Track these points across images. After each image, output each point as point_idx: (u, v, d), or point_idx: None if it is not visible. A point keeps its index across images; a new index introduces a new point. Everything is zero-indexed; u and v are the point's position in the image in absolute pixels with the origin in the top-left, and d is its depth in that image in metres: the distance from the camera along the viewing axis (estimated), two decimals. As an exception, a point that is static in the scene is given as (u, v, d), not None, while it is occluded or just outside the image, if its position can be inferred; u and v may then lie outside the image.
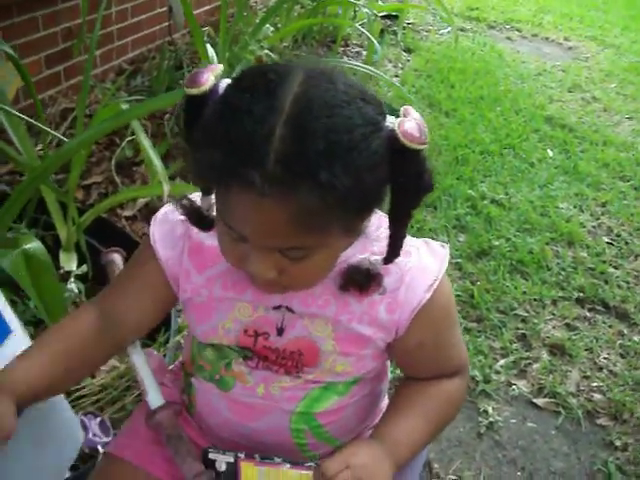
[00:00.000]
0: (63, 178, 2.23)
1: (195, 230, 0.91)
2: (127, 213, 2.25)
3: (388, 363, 1.04)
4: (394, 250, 0.85)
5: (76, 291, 1.64)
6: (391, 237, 0.85)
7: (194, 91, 0.76)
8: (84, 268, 1.71)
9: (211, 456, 0.89)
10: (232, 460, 0.89)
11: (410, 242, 0.89)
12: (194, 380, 0.98)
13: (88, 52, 1.91)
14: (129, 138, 2.46)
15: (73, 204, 1.81)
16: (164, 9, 3.43)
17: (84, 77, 1.81)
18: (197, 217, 0.88)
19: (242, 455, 0.89)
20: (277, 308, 0.89)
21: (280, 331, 0.89)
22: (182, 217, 0.90)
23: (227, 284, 0.90)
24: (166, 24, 3.46)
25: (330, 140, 0.68)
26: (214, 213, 0.83)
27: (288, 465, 0.88)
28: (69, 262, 1.78)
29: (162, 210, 0.96)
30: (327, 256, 0.79)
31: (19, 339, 0.98)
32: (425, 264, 0.89)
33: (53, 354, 0.91)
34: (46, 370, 0.89)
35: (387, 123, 0.74)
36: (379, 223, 0.88)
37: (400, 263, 0.87)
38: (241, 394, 0.94)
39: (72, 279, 1.64)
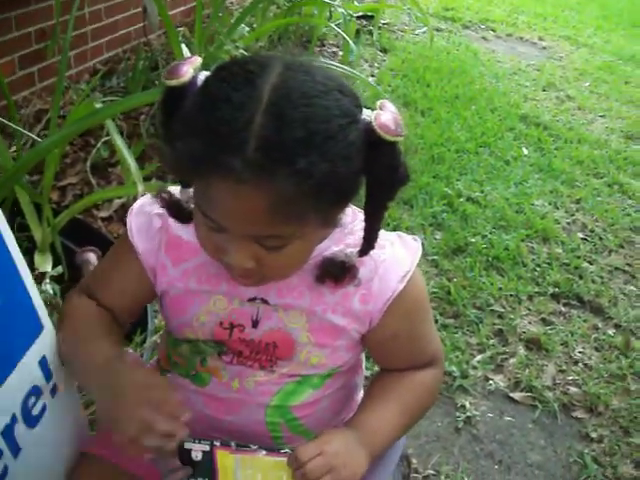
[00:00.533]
0: (37, 179, 2.21)
1: (172, 224, 0.91)
2: (103, 214, 2.23)
3: (363, 356, 1.05)
4: (369, 242, 0.86)
5: (51, 292, 1.62)
6: (366, 230, 0.86)
7: (173, 82, 0.76)
8: (59, 269, 1.69)
9: (186, 446, 0.89)
10: (208, 449, 0.89)
11: (384, 236, 0.91)
12: (170, 376, 0.99)
13: (62, 53, 1.90)
14: (104, 139, 2.45)
15: (48, 205, 1.80)
16: (139, 10, 3.41)
17: (58, 78, 1.80)
18: (176, 209, 0.88)
19: (218, 443, 0.89)
20: (252, 300, 0.90)
21: (255, 323, 0.90)
22: (159, 210, 0.90)
23: (202, 278, 0.91)
24: (141, 25, 3.44)
25: (308, 129, 0.69)
26: (192, 206, 0.83)
27: (264, 452, 0.89)
28: (44, 263, 1.77)
29: (138, 202, 0.96)
30: (304, 247, 0.80)
31: (48, 334, 0.97)
32: (398, 256, 0.90)
33: (107, 332, 0.94)
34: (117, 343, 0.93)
35: (364, 116, 0.75)
36: (354, 216, 0.90)
37: (374, 255, 0.88)
38: (217, 389, 0.94)
39: (47, 280, 1.63)
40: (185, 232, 0.91)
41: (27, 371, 0.91)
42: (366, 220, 0.85)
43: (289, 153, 0.68)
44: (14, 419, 0.89)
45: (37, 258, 1.80)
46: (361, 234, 0.87)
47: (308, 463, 0.83)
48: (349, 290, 0.89)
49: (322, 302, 0.89)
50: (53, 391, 0.97)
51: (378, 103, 0.78)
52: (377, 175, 0.78)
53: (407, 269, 0.90)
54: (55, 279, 1.71)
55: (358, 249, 0.87)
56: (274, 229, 0.74)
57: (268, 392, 0.94)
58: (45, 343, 0.95)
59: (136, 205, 0.96)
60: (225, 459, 0.88)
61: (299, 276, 0.87)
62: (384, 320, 0.90)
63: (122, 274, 0.97)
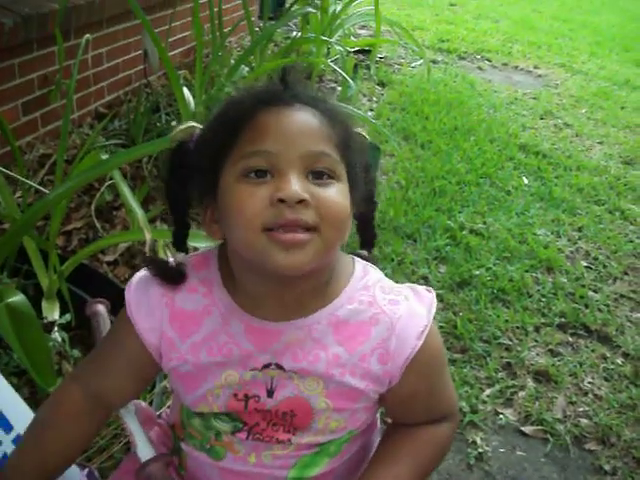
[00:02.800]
0: (42, 225, 2.22)
1: (174, 296, 0.90)
2: (108, 258, 2.24)
3: (377, 414, 1.04)
4: (368, 242, 1.01)
5: (60, 340, 1.63)
6: (361, 233, 1.01)
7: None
8: (67, 317, 1.70)
9: None
10: None
11: (396, 290, 0.91)
12: (184, 446, 0.97)
13: (66, 97, 1.92)
14: (108, 183, 2.47)
15: (54, 252, 1.81)
16: (139, 52, 3.46)
17: (63, 123, 1.82)
18: (165, 272, 0.89)
19: None
20: (267, 366, 0.87)
21: (270, 393, 0.88)
22: (158, 285, 0.90)
23: (213, 348, 0.88)
24: (141, 67, 3.50)
25: (332, 105, 0.88)
26: (182, 265, 0.89)
27: None
28: (52, 311, 1.77)
29: (135, 277, 0.94)
30: (345, 192, 0.84)
31: (1, 391, 0.99)
32: (414, 312, 0.89)
33: (49, 446, 0.93)
34: (43, 463, 0.92)
35: None
36: (365, 272, 0.91)
37: (389, 312, 0.88)
38: (233, 463, 0.93)
39: (56, 329, 1.63)
40: (186, 302, 0.90)
41: None
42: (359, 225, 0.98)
43: (318, 96, 0.87)
44: None
45: (45, 305, 1.80)
46: (375, 290, 0.90)
47: None
48: (366, 351, 0.87)
49: (339, 365, 0.87)
50: (15, 441, 1.00)
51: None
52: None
53: (424, 324, 0.88)
54: (63, 326, 1.72)
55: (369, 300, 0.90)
56: (327, 145, 0.82)
57: (286, 465, 0.92)
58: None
59: (133, 281, 0.93)
60: None
61: (313, 339, 0.87)
62: (404, 379, 0.89)
63: (122, 352, 0.94)
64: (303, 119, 0.82)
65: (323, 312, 0.87)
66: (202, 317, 0.87)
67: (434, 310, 0.91)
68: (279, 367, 0.87)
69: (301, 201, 0.77)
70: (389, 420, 1.03)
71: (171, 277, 0.89)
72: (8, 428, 0.99)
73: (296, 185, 0.78)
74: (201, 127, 0.89)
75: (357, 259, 0.93)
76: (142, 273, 0.94)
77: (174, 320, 0.90)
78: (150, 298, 0.91)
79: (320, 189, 0.80)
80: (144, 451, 0.95)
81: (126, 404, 1.01)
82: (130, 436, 0.97)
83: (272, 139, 0.80)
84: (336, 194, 0.81)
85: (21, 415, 1.03)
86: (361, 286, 0.89)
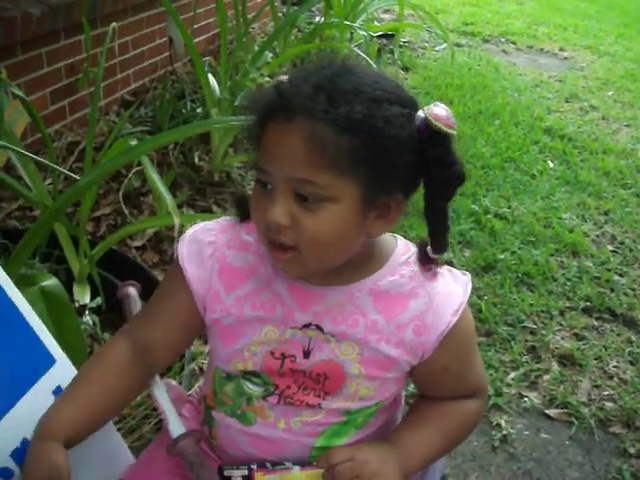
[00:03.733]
0: (72, 211, 2.27)
1: (224, 251, 0.94)
2: (137, 243, 2.28)
3: (403, 392, 1.07)
4: (438, 243, 0.90)
5: (91, 324, 1.67)
6: (431, 232, 0.89)
7: None
8: (98, 300, 1.74)
9: (226, 473, 0.93)
10: (247, 473, 0.93)
11: (435, 268, 0.93)
12: (215, 414, 1.00)
13: (95, 85, 1.95)
14: (135, 169, 2.51)
15: (85, 237, 1.85)
16: (164, 39, 3.49)
17: (91, 111, 1.85)
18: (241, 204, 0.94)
19: (254, 467, 0.93)
20: (307, 326, 0.91)
21: (307, 354, 0.92)
22: (211, 238, 0.94)
23: (256, 303, 0.92)
24: (167, 54, 3.53)
25: (357, 89, 0.80)
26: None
27: (298, 467, 0.93)
28: (83, 295, 1.82)
29: (190, 230, 0.98)
30: (338, 216, 0.81)
31: (63, 367, 1.02)
32: (451, 289, 0.92)
33: (93, 394, 0.93)
34: (88, 411, 0.92)
35: (419, 113, 0.83)
36: (406, 248, 0.93)
37: (428, 288, 0.91)
38: (262, 429, 0.96)
39: (87, 312, 1.67)
40: (237, 260, 0.93)
41: (39, 398, 0.96)
42: (428, 223, 0.89)
43: (335, 99, 0.78)
44: (25, 442, 0.93)
45: (76, 290, 1.85)
46: (416, 267, 0.91)
47: (337, 466, 0.87)
48: (403, 320, 0.90)
49: (376, 331, 0.90)
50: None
51: (432, 103, 0.85)
52: (431, 171, 0.83)
53: (460, 302, 0.92)
54: (94, 310, 1.76)
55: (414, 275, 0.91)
56: (310, 172, 0.79)
57: (314, 433, 0.95)
58: (59, 374, 1.00)
59: (188, 233, 0.97)
60: None
61: (354, 304, 0.90)
62: (436, 353, 0.92)
63: (171, 303, 0.97)
64: (290, 141, 0.79)
65: (365, 281, 0.91)
66: (249, 273, 0.91)
67: (469, 291, 0.94)
68: (318, 328, 0.91)
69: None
70: (415, 398, 1.05)
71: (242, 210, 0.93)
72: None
73: (278, 210, 0.81)
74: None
75: (399, 236, 0.96)
76: (196, 227, 0.98)
77: (222, 273, 0.94)
78: (202, 250, 0.95)
79: (304, 213, 0.81)
80: (175, 427, 0.98)
81: (171, 361, 1.04)
82: (162, 413, 1.00)
83: (268, 159, 0.82)
84: (319, 219, 0.81)
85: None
86: (403, 261, 0.92)
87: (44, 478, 0.84)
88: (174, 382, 1.15)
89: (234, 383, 0.96)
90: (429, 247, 0.90)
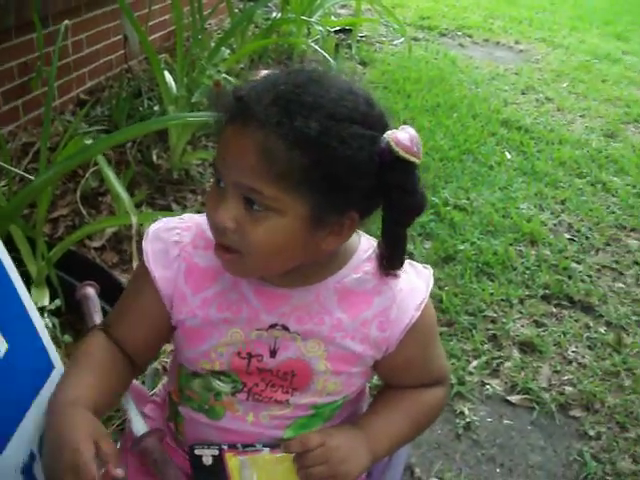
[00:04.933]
0: (29, 213, 2.23)
1: (190, 251, 0.93)
2: (95, 244, 2.25)
3: (367, 385, 1.08)
4: (394, 263, 0.90)
5: (50, 326, 1.64)
6: (386, 253, 0.89)
7: None
8: (57, 302, 1.71)
9: (197, 452, 0.94)
10: (217, 453, 0.93)
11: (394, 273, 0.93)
12: (182, 409, 1.00)
13: (48, 85, 1.92)
14: (92, 169, 2.47)
15: (42, 239, 1.82)
16: (119, 37, 3.44)
17: (45, 110, 1.82)
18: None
19: (225, 447, 0.94)
20: (273, 327, 0.91)
21: (273, 353, 0.92)
22: (176, 237, 0.93)
23: (222, 305, 0.92)
24: (122, 52, 3.48)
25: (318, 103, 0.77)
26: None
27: (267, 449, 0.94)
28: (41, 297, 1.79)
29: (152, 227, 0.96)
30: (284, 229, 0.80)
31: (60, 374, 1.00)
32: (414, 285, 0.94)
33: (93, 373, 0.91)
34: (94, 389, 0.89)
35: (384, 135, 0.80)
36: (369, 244, 0.94)
37: (391, 284, 0.92)
38: (231, 423, 0.96)
39: (46, 315, 1.65)
40: (202, 259, 0.93)
41: (41, 410, 0.93)
42: (385, 244, 0.88)
43: (292, 111, 0.76)
44: (32, 456, 0.91)
45: (34, 292, 1.81)
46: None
47: (308, 452, 0.88)
48: (367, 317, 0.91)
49: (341, 329, 0.91)
50: None
51: (400, 127, 0.83)
52: (391, 196, 0.81)
53: (423, 297, 0.93)
54: (53, 312, 1.73)
55: (376, 274, 0.91)
56: (257, 182, 0.77)
57: (282, 425, 0.96)
58: (56, 381, 0.97)
59: (151, 230, 0.96)
60: (233, 461, 0.93)
61: (319, 303, 0.90)
62: (400, 347, 0.93)
63: (139, 303, 0.96)
64: (242, 148, 0.77)
65: (329, 280, 0.91)
66: (215, 274, 0.91)
67: (431, 285, 0.95)
68: (284, 328, 0.91)
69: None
70: (380, 387, 1.07)
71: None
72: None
73: (223, 213, 0.80)
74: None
75: (361, 232, 0.95)
76: (159, 224, 0.96)
77: (189, 274, 0.93)
78: (168, 250, 0.94)
79: (249, 220, 0.80)
80: (138, 426, 0.98)
81: (147, 360, 1.02)
82: (125, 412, 1.00)
83: (220, 160, 0.82)
84: (262, 228, 0.80)
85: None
86: (366, 257, 0.92)
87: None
88: (136, 382, 1.15)
89: (201, 379, 0.96)
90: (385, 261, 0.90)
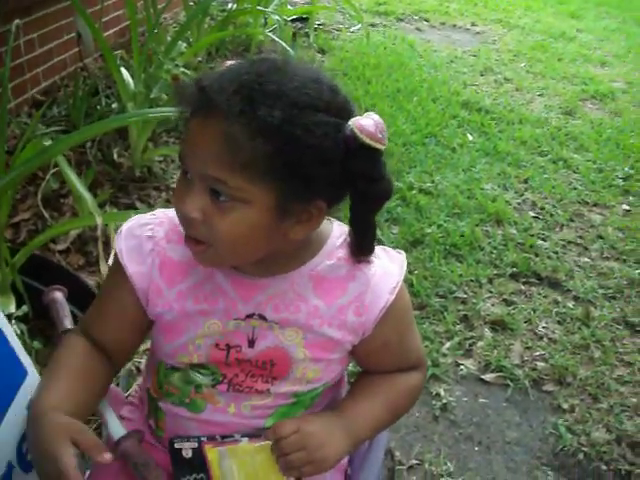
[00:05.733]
0: (-10, 219, 2.18)
1: (164, 245, 0.92)
2: (60, 247, 2.21)
3: (345, 372, 1.08)
4: (364, 249, 0.90)
5: (19, 332, 1.61)
6: (355, 240, 0.89)
7: None
8: (24, 309, 1.68)
9: (176, 445, 0.93)
10: (196, 446, 0.93)
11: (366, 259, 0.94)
12: (162, 404, 0.99)
13: (1, 87, 1.87)
14: (52, 170, 2.43)
15: (4, 245, 1.78)
16: (72, 35, 3.37)
17: (0, 113, 1.78)
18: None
19: (204, 439, 0.94)
20: (250, 316, 0.91)
21: (251, 343, 0.92)
22: (149, 232, 0.93)
23: (199, 297, 0.92)
24: (76, 50, 3.41)
25: (282, 91, 0.77)
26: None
27: (246, 439, 0.94)
28: (7, 304, 1.75)
29: (125, 225, 0.96)
30: (250, 220, 0.80)
31: (34, 380, 0.98)
32: (387, 269, 0.94)
33: (72, 377, 0.90)
34: (73, 394, 0.88)
35: (348, 122, 0.80)
36: (341, 230, 0.94)
37: (364, 269, 0.92)
38: (212, 415, 0.96)
39: (13, 321, 1.62)
40: (176, 253, 0.92)
41: (16, 418, 0.92)
42: (354, 231, 0.88)
43: (255, 100, 0.75)
44: (10, 467, 0.90)
45: (-1, 299, 1.78)
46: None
47: (283, 439, 0.88)
48: (343, 303, 0.92)
49: (318, 316, 0.92)
50: None
51: (364, 114, 0.82)
52: (357, 184, 0.81)
53: (396, 280, 0.93)
54: (21, 319, 1.70)
55: (350, 260, 0.91)
56: (222, 172, 0.77)
57: (264, 414, 0.96)
58: (31, 387, 0.96)
59: (124, 228, 0.95)
60: (212, 453, 0.93)
61: (295, 291, 0.90)
62: (376, 330, 0.93)
63: (116, 301, 0.95)
64: (206, 138, 0.77)
65: (303, 268, 0.91)
66: (190, 267, 0.90)
67: (405, 269, 0.96)
68: (261, 317, 0.91)
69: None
70: (358, 373, 1.07)
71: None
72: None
73: (190, 204, 0.80)
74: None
75: (333, 219, 0.95)
76: (132, 222, 0.96)
77: (163, 268, 0.92)
78: (142, 245, 0.93)
79: (216, 211, 0.80)
80: (115, 430, 0.96)
81: (125, 359, 1.02)
82: (100, 417, 0.98)
83: (186, 152, 0.81)
84: (229, 219, 0.79)
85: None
86: (339, 244, 0.93)
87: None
88: (111, 385, 1.13)
89: (181, 373, 0.96)
90: (356, 248, 0.91)
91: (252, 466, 0.93)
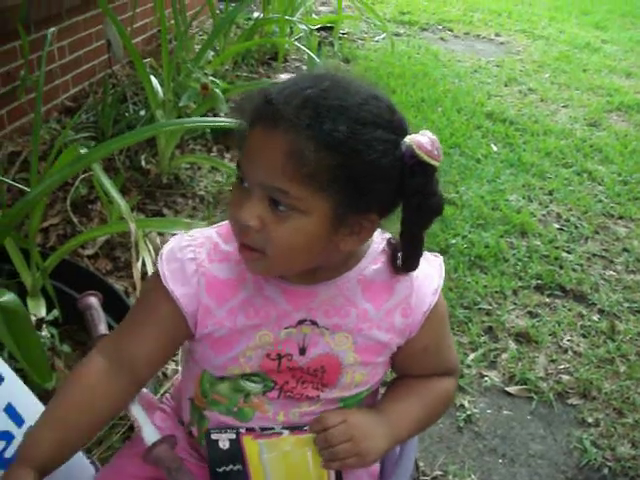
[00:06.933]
0: (19, 223, 2.21)
1: (207, 265, 0.93)
2: (88, 252, 2.24)
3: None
4: (409, 264, 0.92)
5: (50, 336, 1.64)
6: (404, 254, 0.91)
7: None
8: (55, 313, 1.70)
9: (214, 436, 0.93)
10: (234, 437, 0.93)
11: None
12: (207, 413, 1.00)
13: (36, 92, 1.89)
14: (82, 176, 2.46)
15: (36, 250, 1.81)
16: (101, 42, 3.43)
17: (34, 118, 1.80)
18: None
19: (243, 430, 0.94)
20: (302, 322, 0.93)
21: (303, 350, 0.94)
22: (191, 255, 0.93)
23: (250, 312, 0.92)
24: (105, 57, 3.46)
25: (344, 107, 0.79)
26: None
27: (287, 432, 0.94)
28: (38, 308, 1.77)
29: (166, 248, 0.96)
30: (307, 229, 0.82)
31: (11, 384, 0.99)
32: (427, 272, 0.96)
33: (71, 417, 0.91)
34: (65, 435, 0.90)
35: (405, 139, 0.83)
36: (381, 236, 0.96)
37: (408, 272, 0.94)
38: (260, 423, 0.97)
39: (44, 326, 1.64)
40: (222, 272, 0.93)
41: None
42: (402, 245, 0.90)
43: (321, 115, 0.78)
44: None
45: (30, 304, 1.80)
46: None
47: (331, 429, 0.90)
48: (390, 306, 0.94)
49: (367, 320, 0.94)
50: None
51: (420, 132, 0.85)
52: (410, 198, 0.84)
53: (437, 283, 0.96)
54: (51, 323, 1.72)
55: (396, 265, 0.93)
56: (284, 182, 0.79)
57: (310, 420, 0.97)
58: (9, 392, 0.98)
59: (165, 251, 0.95)
60: (251, 445, 0.93)
61: (344, 296, 0.92)
62: (420, 332, 0.96)
63: (158, 321, 0.94)
64: (270, 149, 0.79)
65: (351, 273, 0.93)
66: (238, 283, 0.92)
67: (443, 272, 0.98)
68: (313, 323, 0.93)
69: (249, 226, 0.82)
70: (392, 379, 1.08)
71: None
72: (20, 422, 1.00)
73: (247, 212, 0.82)
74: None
75: None
76: (172, 244, 0.96)
77: (210, 288, 0.93)
78: (185, 268, 0.93)
79: (274, 220, 0.82)
80: (149, 434, 0.98)
81: (153, 375, 1.02)
82: (134, 421, 1.00)
83: (246, 160, 0.83)
84: (286, 228, 0.81)
85: (32, 408, 1.03)
86: (381, 249, 0.95)
87: None
88: (144, 390, 1.14)
89: (230, 382, 0.96)
90: (399, 261, 0.92)
91: (293, 459, 0.94)
